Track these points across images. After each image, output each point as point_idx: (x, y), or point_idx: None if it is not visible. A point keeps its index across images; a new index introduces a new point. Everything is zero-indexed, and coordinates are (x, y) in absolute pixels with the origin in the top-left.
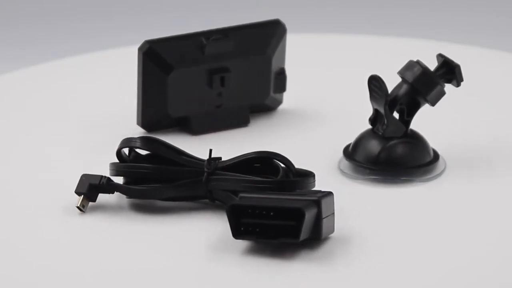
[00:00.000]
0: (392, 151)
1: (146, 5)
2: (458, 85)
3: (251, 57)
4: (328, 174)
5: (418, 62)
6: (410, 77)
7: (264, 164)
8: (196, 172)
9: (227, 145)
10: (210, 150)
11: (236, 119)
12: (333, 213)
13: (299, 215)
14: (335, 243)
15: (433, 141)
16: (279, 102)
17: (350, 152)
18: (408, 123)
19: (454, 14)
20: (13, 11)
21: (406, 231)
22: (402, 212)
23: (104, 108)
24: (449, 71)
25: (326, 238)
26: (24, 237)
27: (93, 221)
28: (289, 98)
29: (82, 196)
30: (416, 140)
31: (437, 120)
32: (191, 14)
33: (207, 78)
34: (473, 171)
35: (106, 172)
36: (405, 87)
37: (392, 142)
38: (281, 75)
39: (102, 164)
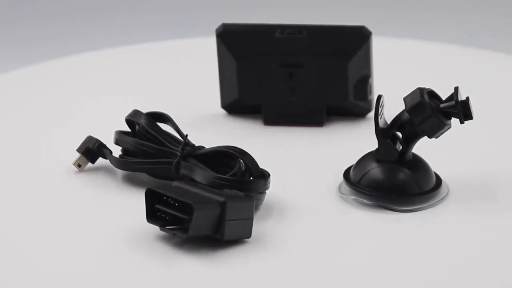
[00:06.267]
0: (375, 174)
1: (146, 4)
2: (461, 122)
3: (327, 59)
4: (328, 192)
5: (421, 91)
6: (408, 104)
7: (230, 160)
8: (173, 155)
9: (286, 139)
10: (186, 136)
11: (310, 117)
12: (251, 218)
13: (192, 210)
14: (243, 247)
15: (440, 166)
16: (366, 109)
17: (348, 171)
18: (406, 149)
19: (455, 14)
20: (13, 11)
21: (342, 253)
22: (360, 237)
23: (106, 107)
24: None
25: (240, 242)
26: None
27: (76, 180)
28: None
29: (80, 155)
30: (408, 169)
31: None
32: (192, 14)
33: (277, 70)
34: (472, 203)
35: None
36: (405, 113)
37: (376, 166)
38: (363, 83)
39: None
